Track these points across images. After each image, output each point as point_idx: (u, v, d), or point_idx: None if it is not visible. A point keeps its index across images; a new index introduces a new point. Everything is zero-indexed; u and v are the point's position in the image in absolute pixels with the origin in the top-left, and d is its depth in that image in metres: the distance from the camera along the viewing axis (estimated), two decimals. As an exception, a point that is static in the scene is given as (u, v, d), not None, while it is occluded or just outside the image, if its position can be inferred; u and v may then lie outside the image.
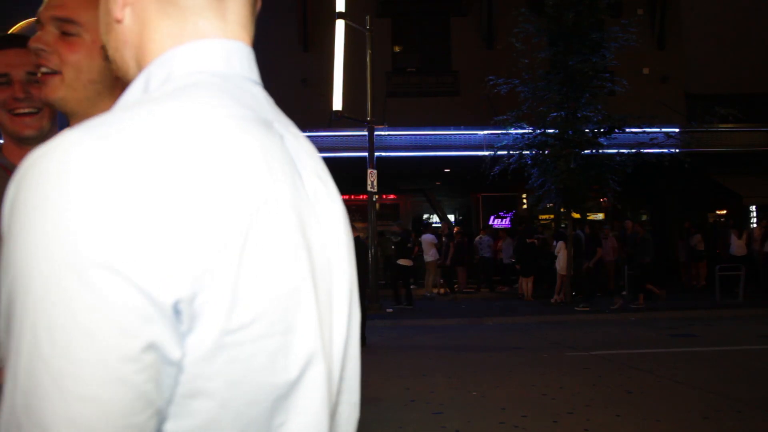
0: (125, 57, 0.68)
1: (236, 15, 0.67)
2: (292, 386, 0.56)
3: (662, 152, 12.71)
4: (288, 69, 16.21)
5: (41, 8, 1.07)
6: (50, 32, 1.07)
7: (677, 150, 13.36)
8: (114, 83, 1.10)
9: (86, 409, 0.44)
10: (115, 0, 0.66)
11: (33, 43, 1.07)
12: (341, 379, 0.67)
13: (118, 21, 0.66)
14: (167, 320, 0.48)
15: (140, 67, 0.66)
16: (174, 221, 0.48)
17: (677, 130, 14.12)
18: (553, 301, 13.15)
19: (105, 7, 0.68)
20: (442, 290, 15.48)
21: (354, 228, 8.84)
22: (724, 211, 18.34)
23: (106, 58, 1.06)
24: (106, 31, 0.70)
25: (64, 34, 1.07)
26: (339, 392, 0.67)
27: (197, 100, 0.56)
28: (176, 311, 0.48)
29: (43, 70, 1.08)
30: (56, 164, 0.47)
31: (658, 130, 12.75)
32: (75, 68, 1.07)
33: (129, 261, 0.46)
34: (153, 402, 0.47)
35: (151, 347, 0.47)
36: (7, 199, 0.49)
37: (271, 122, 0.63)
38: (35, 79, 1.29)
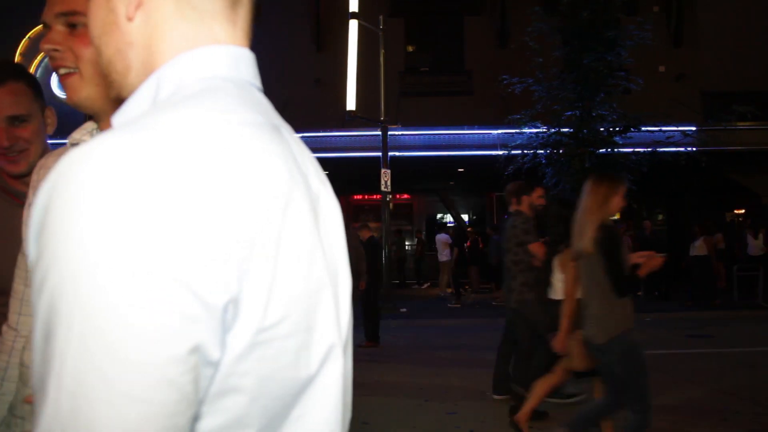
0: (129, 58, 0.66)
1: (244, 22, 0.69)
2: (311, 380, 0.59)
3: (679, 151, 12.57)
4: (301, 69, 16.27)
5: (44, 11, 1.06)
6: (58, 31, 1.05)
7: (694, 149, 13.21)
8: None
9: (135, 411, 0.45)
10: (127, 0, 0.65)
11: (44, 45, 1.05)
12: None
13: (130, 20, 0.65)
14: (215, 321, 0.49)
15: (147, 69, 0.65)
16: (217, 223, 0.49)
17: (694, 128, 13.96)
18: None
19: (106, 6, 0.66)
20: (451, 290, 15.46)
21: (368, 228, 8.85)
22: (743, 211, 18.12)
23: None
24: (105, 32, 0.67)
25: (72, 29, 1.05)
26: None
27: (215, 106, 0.57)
28: (224, 311, 0.49)
29: (61, 71, 1.06)
30: (97, 171, 0.47)
31: (674, 128, 12.62)
32: (92, 62, 1.04)
33: (179, 263, 0.47)
34: (194, 403, 0.48)
35: (197, 349, 0.47)
36: (38, 209, 0.49)
37: (279, 127, 0.65)
38: (19, 117, 1.33)
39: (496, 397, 5.51)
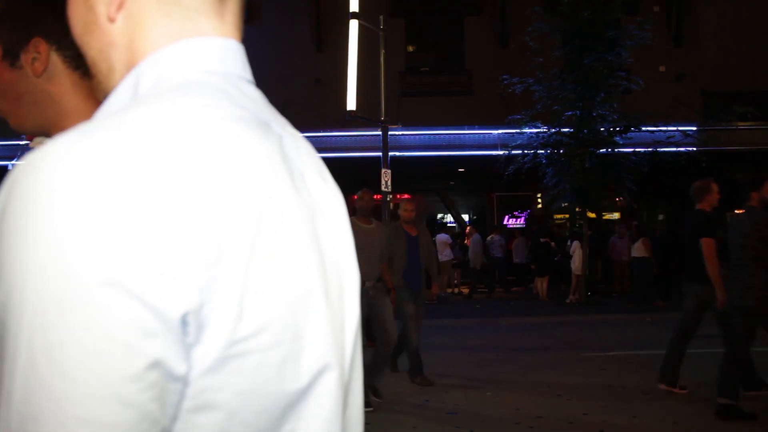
0: (111, 59, 0.63)
1: (233, 16, 0.65)
2: (303, 394, 0.54)
3: (679, 151, 12.57)
4: (302, 69, 16.27)
5: None
6: None
7: (694, 149, 13.21)
8: (49, 79, 1.04)
9: None
10: (107, 0, 0.62)
11: None
12: (350, 380, 0.66)
13: (111, 20, 0.62)
14: (173, 334, 0.45)
15: (130, 69, 0.62)
16: (177, 228, 0.46)
17: (694, 128, 13.97)
18: (568, 301, 13.07)
19: (85, 5, 0.63)
20: (455, 290, 15.48)
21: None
22: (743, 211, 18.10)
23: (75, 64, 1.03)
24: (87, 32, 0.64)
25: None
26: (348, 394, 0.66)
27: (194, 100, 0.54)
28: (184, 323, 0.46)
29: None
30: (48, 173, 0.44)
31: (674, 128, 12.62)
32: (0, 95, 1.03)
33: (130, 273, 0.43)
34: (158, 421, 0.45)
35: (156, 365, 0.44)
36: None
37: (268, 122, 0.61)
38: None
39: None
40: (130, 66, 0.62)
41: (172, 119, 0.50)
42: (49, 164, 0.45)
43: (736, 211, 18.25)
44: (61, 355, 0.42)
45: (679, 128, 12.71)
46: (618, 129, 12.45)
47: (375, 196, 5.88)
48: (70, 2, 0.65)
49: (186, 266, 0.46)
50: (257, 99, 0.64)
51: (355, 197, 5.62)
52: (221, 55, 0.62)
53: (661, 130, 12.38)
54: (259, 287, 0.50)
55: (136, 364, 0.43)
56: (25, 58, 1.02)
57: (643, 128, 12.34)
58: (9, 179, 0.46)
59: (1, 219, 0.45)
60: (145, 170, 0.46)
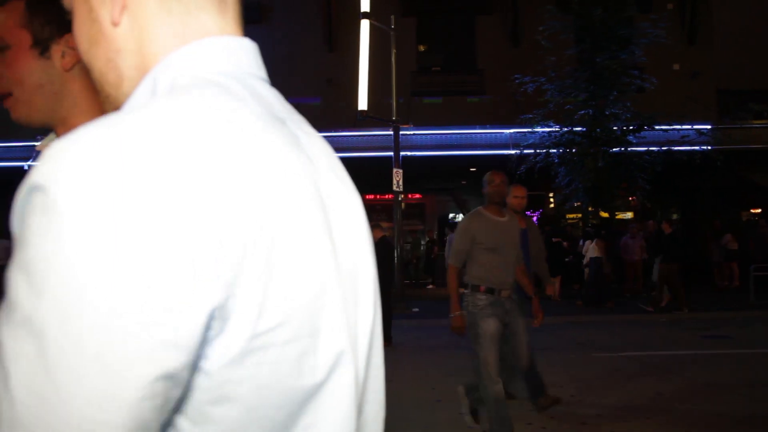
0: (121, 66, 0.63)
1: (234, 11, 0.66)
2: (319, 388, 0.55)
3: (693, 150, 12.45)
4: (313, 69, 16.29)
5: None
6: None
7: (709, 147, 13.08)
8: (73, 75, 1.07)
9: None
10: (110, 5, 0.61)
11: None
12: (366, 377, 0.67)
13: (116, 24, 0.62)
14: (192, 343, 0.46)
15: (140, 74, 0.62)
16: (203, 226, 0.46)
17: (709, 126, 13.82)
18: (580, 302, 12.99)
19: (88, 17, 0.63)
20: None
21: (380, 228, 8.85)
22: (759, 210, 17.90)
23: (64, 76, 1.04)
24: (93, 44, 0.64)
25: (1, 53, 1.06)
26: (365, 391, 0.66)
27: (214, 99, 0.54)
28: (210, 318, 0.47)
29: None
30: (70, 171, 0.44)
31: (689, 127, 12.50)
32: (19, 82, 1.06)
33: (153, 276, 0.44)
34: (150, 429, 0.45)
35: (166, 377, 0.45)
36: (17, 208, 0.46)
37: (284, 120, 0.62)
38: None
39: None
40: (141, 70, 0.62)
41: (195, 117, 0.51)
42: (68, 164, 0.45)
43: (751, 211, 18.07)
44: (76, 351, 0.42)
45: (694, 127, 12.60)
46: (631, 128, 12.35)
47: (386, 196, 5.33)
48: (75, 19, 0.65)
49: (210, 264, 0.46)
50: (272, 98, 0.64)
51: (367, 197, 5.35)
52: (236, 54, 0.63)
53: (675, 129, 12.28)
54: (280, 281, 0.51)
55: (147, 373, 0.44)
56: (55, 49, 1.05)
57: (657, 127, 12.24)
58: (30, 177, 0.46)
59: (26, 219, 0.45)
60: (167, 170, 0.46)
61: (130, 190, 0.44)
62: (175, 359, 0.45)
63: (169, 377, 0.45)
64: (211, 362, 0.48)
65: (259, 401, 0.51)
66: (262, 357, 0.50)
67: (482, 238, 4.10)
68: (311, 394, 0.55)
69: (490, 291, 4.08)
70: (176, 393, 0.47)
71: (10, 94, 1.07)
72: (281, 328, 0.51)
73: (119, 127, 0.47)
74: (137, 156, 0.45)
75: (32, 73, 1.05)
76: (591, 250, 12.20)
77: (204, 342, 0.47)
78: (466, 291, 4.16)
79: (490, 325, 4.00)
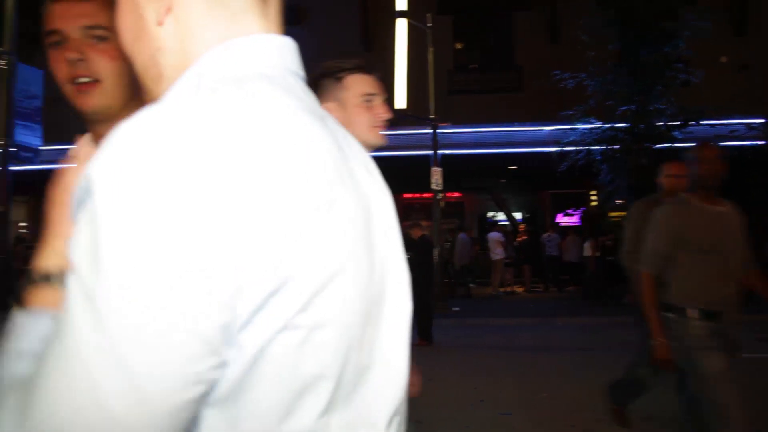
0: (160, 64, 0.65)
1: (275, 15, 0.67)
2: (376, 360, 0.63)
3: (744, 145, 12.02)
4: (351, 70, 16.36)
5: (59, 20, 1.08)
6: (83, 42, 1.08)
7: (761, 142, 12.61)
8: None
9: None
10: (156, 3, 0.63)
11: (70, 54, 1.07)
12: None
13: (160, 24, 0.63)
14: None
15: (181, 73, 0.64)
16: (266, 219, 0.49)
17: (761, 121, 13.31)
18: (624, 301, 12.71)
19: (135, 13, 0.65)
20: (508, 288, 15.30)
21: (420, 226, 8.83)
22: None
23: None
24: (137, 39, 0.66)
25: (97, 41, 1.08)
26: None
27: (262, 91, 0.56)
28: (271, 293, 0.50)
29: (82, 80, 1.08)
30: (133, 161, 0.46)
31: (738, 121, 12.08)
32: (115, 74, 1.08)
33: (213, 264, 0.46)
34: (218, 351, 0.48)
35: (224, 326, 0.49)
36: (74, 196, 0.49)
37: (323, 116, 0.63)
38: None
39: None
40: (181, 69, 0.63)
41: (247, 111, 0.52)
42: (132, 153, 0.47)
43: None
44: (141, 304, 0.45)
45: (744, 121, 12.16)
46: (677, 123, 12.00)
47: (425, 195, 5.43)
48: (120, 12, 0.67)
49: (270, 249, 0.49)
50: (310, 95, 0.66)
51: (405, 196, 5.36)
52: (280, 51, 0.64)
53: (723, 124, 11.88)
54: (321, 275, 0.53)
55: (206, 326, 0.47)
56: None
57: (704, 122, 11.86)
58: (94, 162, 0.48)
59: (96, 200, 0.47)
60: (234, 163, 0.48)
61: (181, 181, 0.46)
62: (227, 315, 0.48)
63: (225, 327, 0.48)
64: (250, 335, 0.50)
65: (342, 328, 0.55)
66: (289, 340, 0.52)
67: (692, 235, 3.01)
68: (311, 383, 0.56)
69: (706, 315, 2.94)
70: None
71: (96, 81, 1.09)
72: (327, 325, 0.54)
73: (173, 122, 0.49)
74: (188, 147, 0.48)
75: (130, 72, 1.09)
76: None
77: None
78: (669, 314, 3.05)
79: (715, 361, 2.88)
